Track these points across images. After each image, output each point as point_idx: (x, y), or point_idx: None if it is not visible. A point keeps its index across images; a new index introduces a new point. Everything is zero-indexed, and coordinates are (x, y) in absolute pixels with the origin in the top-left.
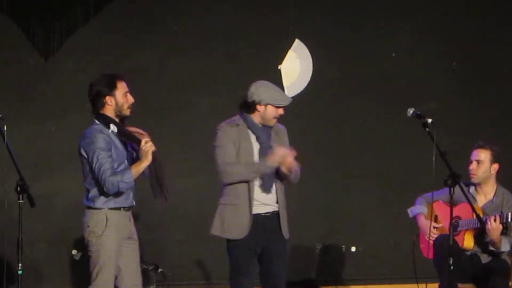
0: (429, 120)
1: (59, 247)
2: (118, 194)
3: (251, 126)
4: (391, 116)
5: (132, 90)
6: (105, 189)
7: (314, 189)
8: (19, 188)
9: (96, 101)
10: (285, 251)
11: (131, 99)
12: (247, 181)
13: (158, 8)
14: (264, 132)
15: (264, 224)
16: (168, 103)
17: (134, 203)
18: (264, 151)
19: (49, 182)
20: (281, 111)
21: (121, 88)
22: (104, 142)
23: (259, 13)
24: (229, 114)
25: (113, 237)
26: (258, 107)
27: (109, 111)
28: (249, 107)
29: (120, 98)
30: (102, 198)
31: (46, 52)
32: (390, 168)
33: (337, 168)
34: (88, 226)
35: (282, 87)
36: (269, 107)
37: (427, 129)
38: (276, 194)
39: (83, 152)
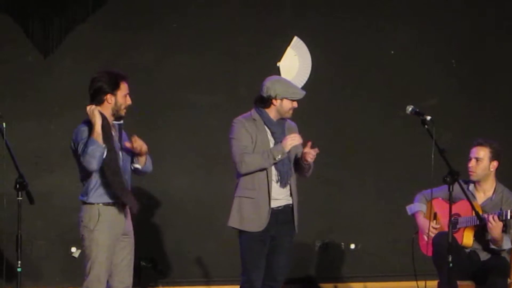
0: (428, 117)
1: (58, 245)
2: (105, 187)
3: (266, 121)
4: (390, 113)
5: (130, 88)
6: (84, 164)
7: (313, 186)
8: (18, 186)
9: (96, 95)
10: (291, 245)
11: (129, 100)
12: (263, 169)
13: (156, 5)
14: (279, 127)
15: (277, 216)
16: (167, 101)
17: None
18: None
19: (48, 180)
20: (295, 104)
21: (124, 89)
22: (84, 134)
23: (257, 10)
24: (228, 111)
25: (105, 232)
26: (274, 101)
27: (106, 108)
28: (265, 102)
29: (121, 99)
30: (95, 193)
31: (45, 50)
32: (389, 165)
33: (336, 166)
34: (82, 221)
35: None
36: (285, 101)
37: (426, 126)
38: (290, 188)
39: (73, 146)
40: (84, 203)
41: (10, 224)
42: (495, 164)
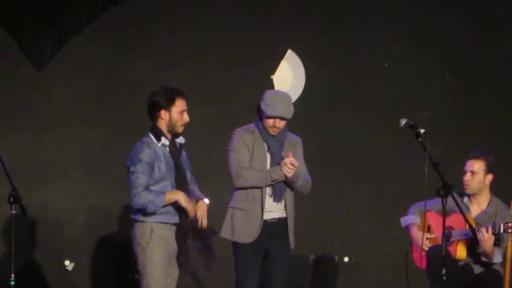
0: (422, 130)
1: (52, 258)
2: (161, 211)
3: (263, 134)
4: (384, 126)
5: (124, 101)
6: (132, 202)
7: (307, 199)
8: (11, 199)
9: (152, 111)
10: (288, 260)
11: (186, 118)
12: (258, 188)
13: (150, 18)
14: (276, 142)
15: (270, 228)
16: None
17: (180, 219)
18: (276, 161)
19: (42, 193)
20: (278, 122)
21: (180, 105)
22: (147, 156)
23: (251, 24)
24: (222, 124)
25: (159, 249)
26: (262, 114)
27: (162, 124)
28: (258, 112)
29: (175, 115)
30: (146, 213)
31: (39, 63)
32: (383, 178)
33: (330, 179)
34: (135, 238)
35: None
36: (267, 118)
37: (419, 139)
38: (285, 202)
39: (128, 162)
40: (136, 221)
41: (4, 237)
42: (490, 177)
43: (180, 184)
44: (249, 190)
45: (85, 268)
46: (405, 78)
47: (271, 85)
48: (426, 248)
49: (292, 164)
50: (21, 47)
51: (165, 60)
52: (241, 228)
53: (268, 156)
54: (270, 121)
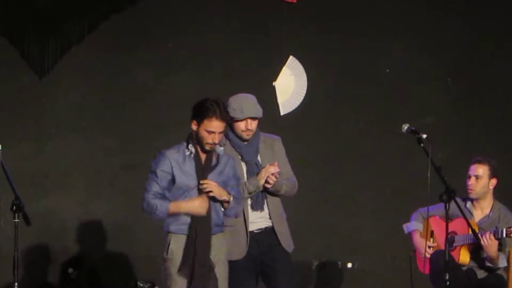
0: (424, 136)
1: (56, 266)
2: (178, 219)
3: (234, 144)
4: (386, 131)
5: (127, 108)
6: (142, 206)
7: (309, 205)
8: (14, 207)
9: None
10: (289, 264)
11: (213, 139)
12: None
13: (153, 26)
14: (248, 149)
15: (258, 240)
16: (163, 121)
17: (197, 231)
18: (252, 169)
19: (45, 201)
20: (250, 124)
21: (208, 126)
22: (165, 165)
23: (253, 30)
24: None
25: (175, 261)
26: (232, 122)
27: (193, 133)
28: (228, 123)
29: (202, 132)
30: (166, 221)
31: (41, 70)
32: (386, 183)
33: (333, 184)
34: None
35: (276, 104)
36: (236, 122)
37: (421, 144)
38: (268, 209)
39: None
40: (163, 230)
41: (7, 246)
42: (494, 181)
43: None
44: None
45: (88, 275)
46: (407, 83)
47: (273, 92)
48: (428, 256)
49: (274, 175)
50: (24, 55)
51: (167, 67)
52: (231, 245)
53: (243, 165)
54: (242, 125)
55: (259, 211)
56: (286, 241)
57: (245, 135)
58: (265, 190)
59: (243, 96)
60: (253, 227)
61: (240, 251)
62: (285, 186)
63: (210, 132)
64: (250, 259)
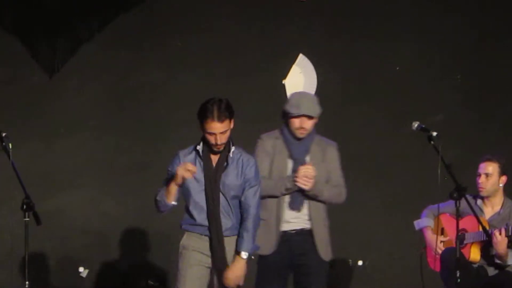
0: (434, 133)
1: (66, 265)
2: (191, 217)
3: (286, 140)
4: (396, 129)
5: (136, 107)
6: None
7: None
8: (24, 206)
9: None
10: (321, 271)
11: (215, 140)
12: (276, 197)
13: (161, 25)
14: (299, 147)
15: (290, 241)
16: (172, 120)
17: (211, 232)
18: (298, 168)
19: (55, 200)
20: (304, 123)
21: (207, 127)
22: (175, 163)
23: (263, 28)
24: (234, 128)
25: (186, 258)
26: (287, 118)
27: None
28: (283, 117)
29: (205, 134)
30: (183, 219)
31: (50, 70)
32: (396, 181)
33: None
34: None
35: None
36: (292, 119)
37: (432, 142)
38: (309, 211)
39: None
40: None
41: (18, 245)
42: (504, 179)
43: (208, 202)
44: (267, 200)
45: (99, 274)
46: (417, 80)
47: (283, 90)
48: (440, 251)
49: (307, 177)
50: (33, 54)
51: (177, 66)
52: (260, 239)
53: (290, 162)
54: (296, 122)
55: (296, 211)
56: (324, 248)
57: (298, 133)
58: (303, 192)
59: (303, 93)
60: (287, 226)
61: (268, 247)
62: (327, 192)
63: (210, 134)
64: (280, 258)
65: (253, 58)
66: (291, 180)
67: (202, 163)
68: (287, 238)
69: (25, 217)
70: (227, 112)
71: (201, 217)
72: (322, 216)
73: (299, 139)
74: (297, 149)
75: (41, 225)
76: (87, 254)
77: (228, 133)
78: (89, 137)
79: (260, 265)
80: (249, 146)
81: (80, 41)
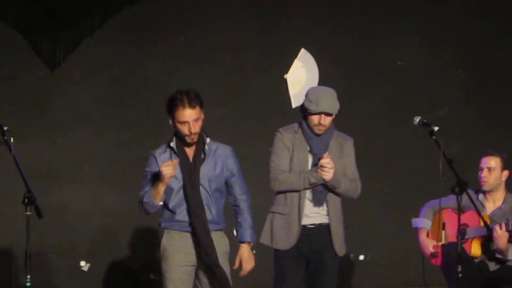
0: (436, 128)
1: (67, 259)
2: (171, 213)
3: (306, 135)
4: (398, 123)
5: (139, 101)
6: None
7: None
8: (26, 200)
9: None
10: (335, 267)
11: (189, 129)
12: (297, 191)
13: (164, 19)
14: (319, 142)
15: (309, 235)
16: None
17: (192, 228)
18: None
19: (56, 194)
20: (323, 119)
21: (179, 116)
22: (152, 164)
23: (265, 23)
24: (236, 124)
25: (169, 260)
26: (306, 114)
27: (173, 129)
28: (301, 112)
29: (178, 126)
30: (163, 217)
31: (53, 64)
32: (398, 175)
33: None
34: None
35: (288, 97)
36: (310, 115)
37: (433, 137)
38: (327, 207)
39: None
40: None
41: (19, 239)
42: (506, 173)
43: (189, 195)
44: (287, 194)
45: (100, 269)
46: (419, 76)
47: (285, 84)
48: (433, 250)
49: (326, 166)
50: (36, 49)
51: (179, 60)
52: (279, 234)
53: (310, 157)
54: (315, 118)
55: (317, 207)
56: (339, 243)
57: (316, 129)
58: (325, 186)
59: (322, 88)
60: (307, 221)
61: (289, 242)
62: (344, 184)
63: (183, 123)
64: (300, 252)
65: (255, 52)
66: (314, 173)
67: (178, 158)
68: (306, 233)
69: (26, 211)
70: (197, 100)
71: (182, 213)
72: (340, 211)
73: (318, 134)
74: (316, 145)
75: (43, 219)
76: (89, 248)
77: (200, 122)
78: (92, 132)
79: (279, 260)
80: (251, 140)
81: (82, 36)
